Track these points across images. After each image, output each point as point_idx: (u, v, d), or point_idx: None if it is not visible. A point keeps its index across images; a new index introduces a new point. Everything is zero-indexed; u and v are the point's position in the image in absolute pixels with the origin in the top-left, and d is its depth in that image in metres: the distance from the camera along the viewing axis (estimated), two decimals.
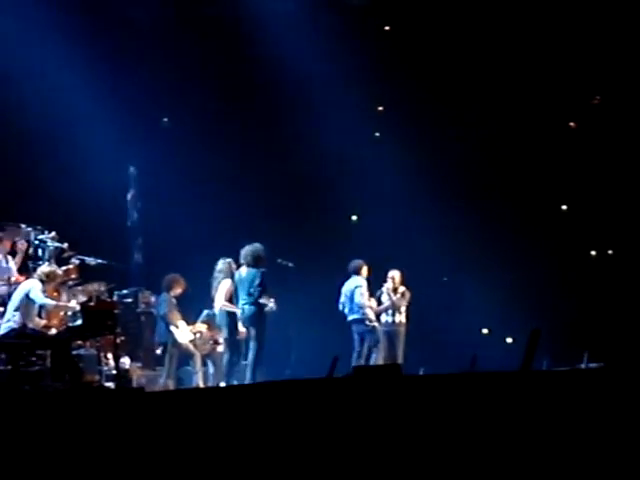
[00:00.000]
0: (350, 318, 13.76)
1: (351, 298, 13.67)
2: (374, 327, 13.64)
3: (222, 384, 12.42)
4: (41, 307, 11.74)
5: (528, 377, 6.24)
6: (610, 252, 16.48)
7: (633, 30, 15.31)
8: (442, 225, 15.52)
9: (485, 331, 15.72)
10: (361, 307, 13.59)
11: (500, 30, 15.52)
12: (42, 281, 11.66)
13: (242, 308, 12.56)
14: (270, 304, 12.61)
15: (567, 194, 16.42)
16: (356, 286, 13.69)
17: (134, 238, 16.30)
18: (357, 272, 13.77)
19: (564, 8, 15.37)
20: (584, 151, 16.05)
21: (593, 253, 16.58)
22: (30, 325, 11.45)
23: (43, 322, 11.76)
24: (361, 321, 13.66)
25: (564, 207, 16.59)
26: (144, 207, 16.31)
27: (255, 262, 12.55)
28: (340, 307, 13.88)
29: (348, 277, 13.95)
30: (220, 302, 12.71)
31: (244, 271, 12.62)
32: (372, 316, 13.66)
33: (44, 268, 11.94)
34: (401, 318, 13.93)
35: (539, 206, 16.23)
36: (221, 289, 12.71)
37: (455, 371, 8.15)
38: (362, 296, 13.61)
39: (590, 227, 16.08)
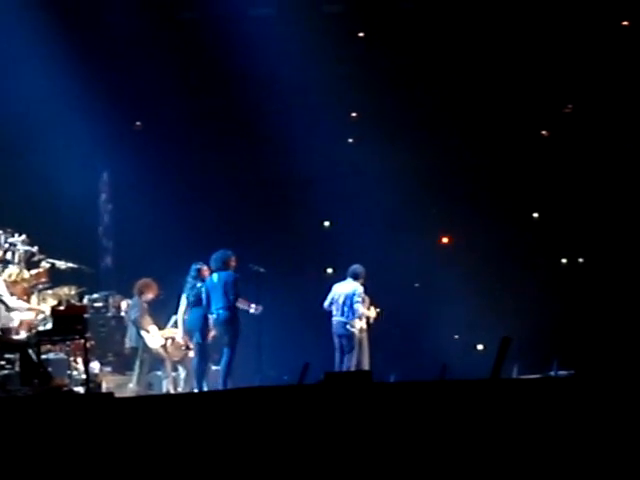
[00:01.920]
0: (335, 319, 13.69)
1: (348, 302, 13.62)
2: (353, 334, 13.59)
3: (195, 390, 12.38)
4: (9, 309, 11.65)
5: (498, 385, 6.26)
6: (581, 260, 16.57)
7: (604, 39, 15.41)
8: (414, 231, 15.55)
9: (456, 337, 15.73)
10: (355, 313, 13.56)
11: (473, 39, 15.58)
12: (8, 285, 11.57)
13: (217, 313, 12.54)
14: (251, 310, 12.64)
15: (539, 202, 16.50)
16: (354, 292, 13.63)
17: (105, 242, 16.26)
18: (356, 277, 13.72)
19: (536, 18, 15.44)
20: (556, 159, 16.13)
21: (564, 261, 16.67)
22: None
23: (16, 323, 11.67)
24: (343, 324, 13.61)
25: (535, 215, 16.67)
26: (116, 211, 16.27)
27: (218, 266, 12.58)
28: (326, 304, 13.76)
29: (344, 279, 13.85)
30: (181, 312, 12.76)
31: (216, 276, 12.62)
32: (356, 324, 13.62)
33: (10, 270, 11.87)
34: (362, 324, 13.90)
35: (510, 214, 16.29)
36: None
37: (425, 378, 8.17)
38: (360, 303, 13.61)
39: (561, 235, 16.16)
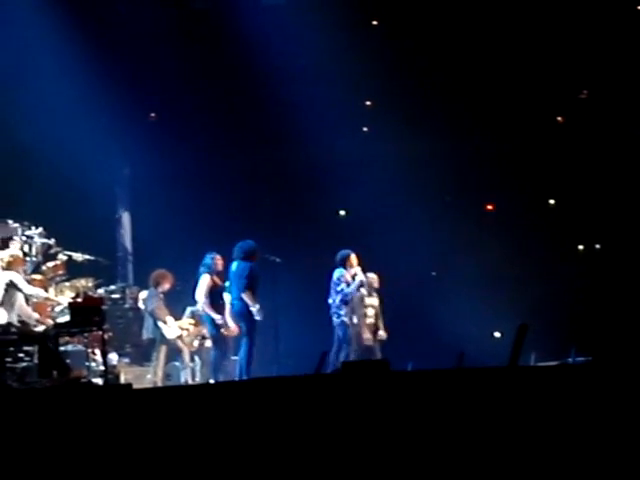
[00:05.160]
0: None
1: (332, 291, 13.46)
2: (342, 322, 13.41)
3: (211, 380, 12.40)
4: (27, 298, 11.69)
5: (516, 372, 6.25)
6: (598, 246, 16.52)
7: (619, 24, 15.33)
8: (431, 220, 15.52)
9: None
10: (338, 300, 13.32)
11: (487, 24, 15.52)
12: (9, 267, 11.56)
13: (232, 303, 12.54)
14: (251, 308, 12.35)
15: (555, 189, 16.44)
16: (336, 278, 13.42)
17: (122, 234, 16.30)
18: (343, 264, 13.53)
19: (552, 3, 15.37)
20: (571, 146, 16.08)
21: (581, 247, 16.62)
22: (17, 314, 11.36)
23: (36, 315, 11.71)
24: (333, 314, 13.48)
25: (552, 201, 16.62)
26: (132, 202, 16.31)
27: (245, 256, 12.53)
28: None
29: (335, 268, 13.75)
30: (201, 298, 12.68)
31: (234, 265, 12.60)
32: (343, 310, 13.39)
33: (8, 252, 11.87)
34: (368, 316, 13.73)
35: (527, 201, 16.25)
36: (201, 285, 12.70)
37: (443, 367, 8.17)
38: (341, 285, 13.33)
39: (578, 221, 16.11)
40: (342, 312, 13.32)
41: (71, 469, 5.60)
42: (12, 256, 11.77)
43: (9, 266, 11.58)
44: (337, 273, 13.41)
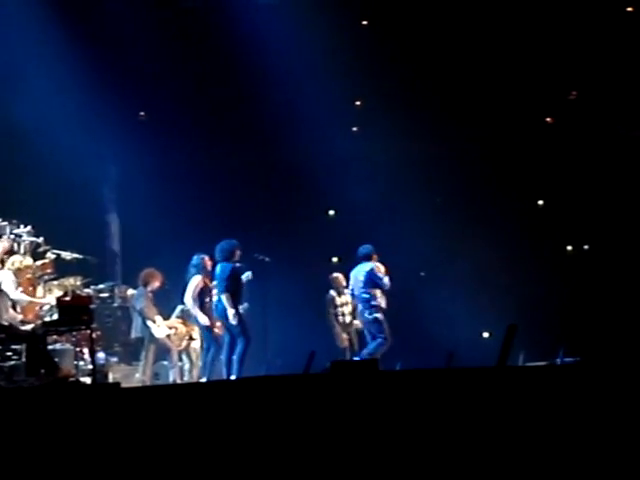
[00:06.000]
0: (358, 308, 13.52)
1: (362, 285, 13.27)
2: (376, 318, 13.35)
3: (203, 379, 12.39)
4: (14, 301, 11.66)
5: (504, 373, 6.26)
6: (586, 247, 16.56)
7: (609, 25, 15.37)
8: (421, 221, 15.54)
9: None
10: (377, 290, 13.21)
11: (477, 26, 15.54)
12: (14, 273, 11.58)
13: (216, 305, 12.52)
14: (229, 313, 12.19)
15: (543, 189, 16.48)
16: (371, 269, 13.23)
17: (111, 232, 16.28)
18: (369, 258, 13.47)
19: (541, 3, 15.41)
20: (561, 146, 16.12)
21: (569, 248, 16.66)
22: (4, 317, 11.36)
23: (20, 316, 11.68)
24: (362, 312, 13.34)
25: (540, 202, 16.65)
26: (121, 201, 16.29)
27: (224, 257, 12.50)
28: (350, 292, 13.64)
29: (357, 263, 13.55)
30: (189, 299, 12.65)
31: (218, 268, 12.58)
32: (383, 303, 13.22)
33: (15, 259, 11.86)
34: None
35: (515, 201, 16.28)
36: (190, 285, 12.68)
37: (432, 366, 8.18)
38: (383, 276, 13.22)
39: (566, 222, 16.15)
40: (383, 304, 13.18)
41: (59, 468, 5.59)
42: (24, 264, 11.78)
43: (15, 271, 11.59)
44: (369, 266, 13.30)
